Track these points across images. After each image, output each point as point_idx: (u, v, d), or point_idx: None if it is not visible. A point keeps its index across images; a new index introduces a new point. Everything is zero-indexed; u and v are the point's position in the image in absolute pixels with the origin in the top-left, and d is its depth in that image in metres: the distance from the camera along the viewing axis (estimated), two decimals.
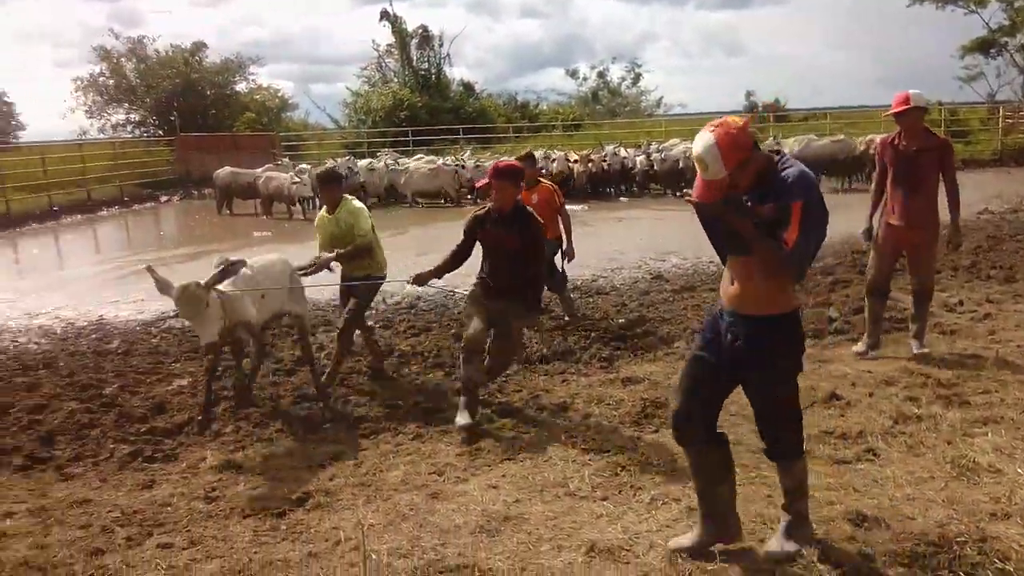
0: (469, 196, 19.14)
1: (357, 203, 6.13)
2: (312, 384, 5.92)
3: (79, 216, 21.27)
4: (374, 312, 8.28)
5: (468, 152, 22.99)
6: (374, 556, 3.40)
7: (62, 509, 4.26)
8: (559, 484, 4.09)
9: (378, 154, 23.96)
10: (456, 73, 44.97)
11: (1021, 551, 3.11)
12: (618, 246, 12.79)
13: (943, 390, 5.06)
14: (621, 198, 20.67)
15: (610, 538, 3.42)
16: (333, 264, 6.04)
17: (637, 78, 46.01)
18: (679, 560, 3.22)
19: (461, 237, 5.27)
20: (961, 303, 7.60)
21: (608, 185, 21.01)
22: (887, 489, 3.78)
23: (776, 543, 3.25)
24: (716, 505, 3.27)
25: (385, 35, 39.84)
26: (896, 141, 5.79)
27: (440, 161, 20.87)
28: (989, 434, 4.29)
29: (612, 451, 4.47)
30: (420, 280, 5.28)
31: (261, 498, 4.19)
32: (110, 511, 4.20)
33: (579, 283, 9.72)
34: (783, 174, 2.98)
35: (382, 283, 6.28)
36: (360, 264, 6.06)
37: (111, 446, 5.22)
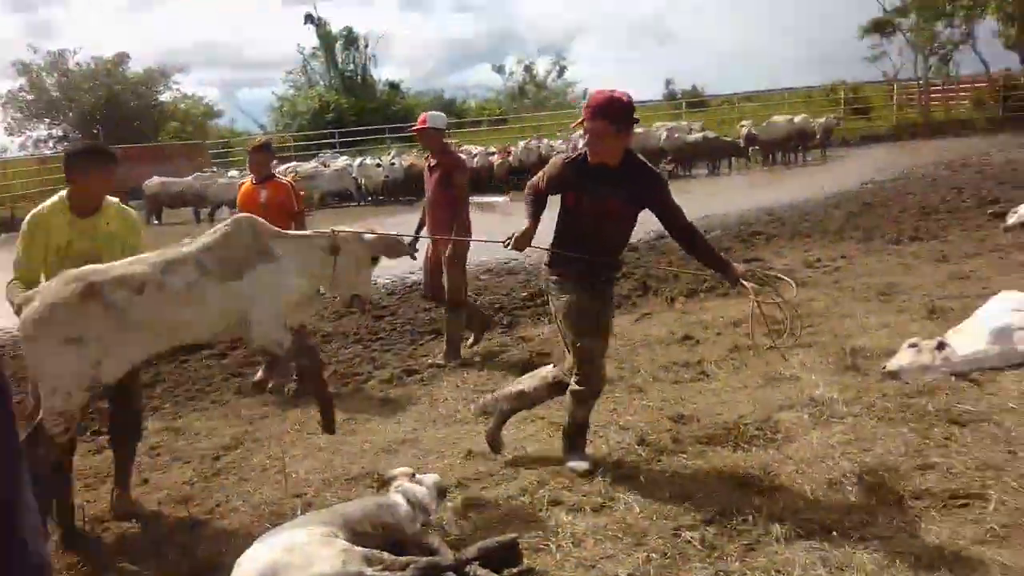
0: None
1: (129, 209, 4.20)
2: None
3: (3, 235, 21.24)
4: None
5: (393, 152, 23.64)
6: (294, 475, 4.21)
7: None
8: (450, 415, 4.96)
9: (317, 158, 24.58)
10: (385, 72, 45.69)
11: (790, 426, 4.11)
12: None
13: (776, 326, 6.04)
14: None
15: (483, 448, 4.28)
16: None
17: (562, 71, 47.12)
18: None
19: (540, 186, 3.99)
20: (819, 260, 8.71)
21: (527, 176, 21.91)
22: (707, 397, 4.75)
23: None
24: None
25: (310, 38, 40.35)
26: (427, 158, 6.55)
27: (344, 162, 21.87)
28: (800, 354, 5.28)
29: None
30: (520, 244, 3.93)
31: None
32: None
33: (492, 266, 10.62)
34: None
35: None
36: None
37: None
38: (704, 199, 15.61)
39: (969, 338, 4.79)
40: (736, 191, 17.55)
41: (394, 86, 41.79)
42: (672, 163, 21.35)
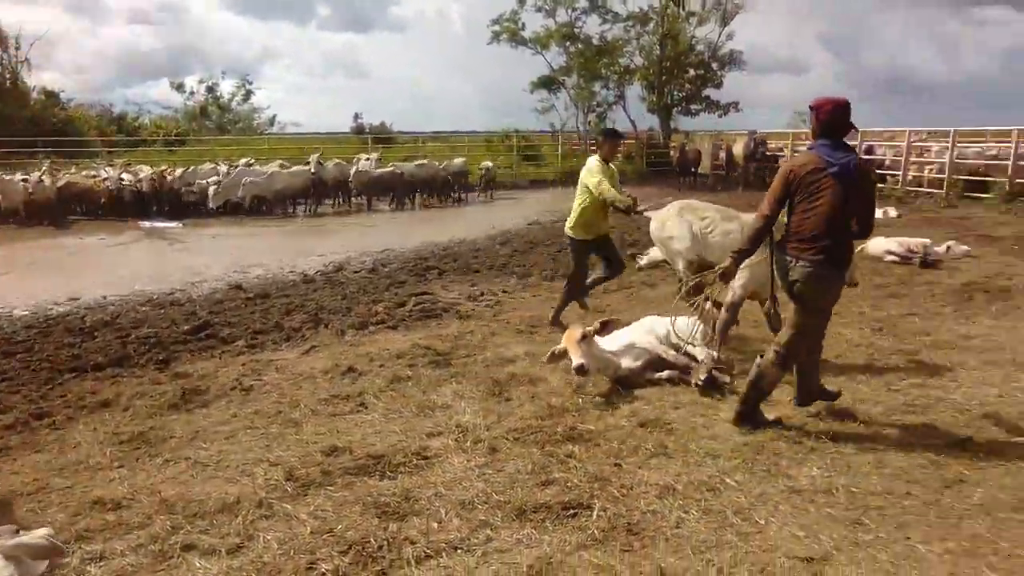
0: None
1: None
2: None
3: None
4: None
5: (45, 166, 21.01)
6: None
7: None
8: (80, 462, 4.53)
9: None
10: (45, 79, 40.47)
11: (436, 452, 4.35)
12: (206, 260, 12.96)
13: (437, 357, 6.36)
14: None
15: (114, 495, 3.98)
16: None
17: (248, 94, 45.07)
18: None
19: None
20: (483, 294, 9.31)
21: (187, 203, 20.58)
22: (363, 428, 4.85)
23: None
24: None
25: None
26: None
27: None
28: (452, 383, 5.61)
29: (142, 428, 5.00)
30: None
31: None
32: None
33: (155, 297, 9.88)
34: None
35: None
36: None
37: None
38: (385, 234, 15.99)
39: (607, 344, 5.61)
40: (417, 225, 18.13)
41: (52, 95, 37.35)
42: (358, 196, 21.55)
